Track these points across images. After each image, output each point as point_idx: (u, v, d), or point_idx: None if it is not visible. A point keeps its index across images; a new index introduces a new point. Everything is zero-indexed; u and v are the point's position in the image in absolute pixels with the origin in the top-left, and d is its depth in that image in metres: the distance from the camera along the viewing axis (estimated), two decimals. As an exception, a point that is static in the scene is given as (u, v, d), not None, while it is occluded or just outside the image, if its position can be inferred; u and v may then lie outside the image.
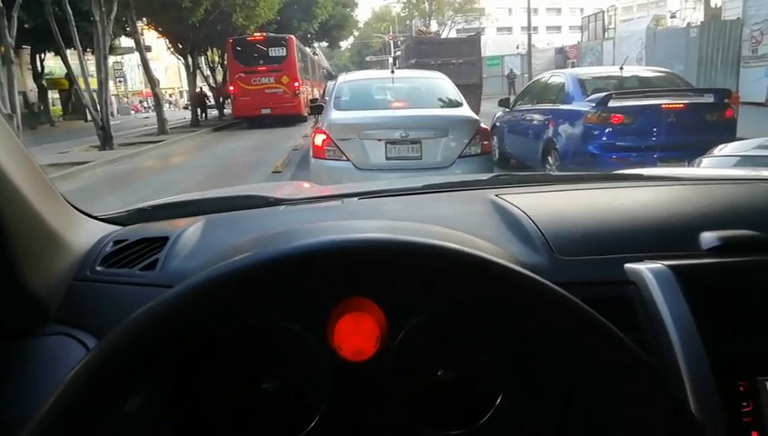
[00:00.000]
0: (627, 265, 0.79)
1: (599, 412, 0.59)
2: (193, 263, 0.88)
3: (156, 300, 0.52)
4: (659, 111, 6.00)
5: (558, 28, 61.81)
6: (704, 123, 6.07)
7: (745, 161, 3.63)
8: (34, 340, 0.77)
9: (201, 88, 26.21)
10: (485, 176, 1.63)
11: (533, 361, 0.72)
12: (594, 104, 6.22)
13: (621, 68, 7.33)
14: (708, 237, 0.83)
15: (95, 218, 1.07)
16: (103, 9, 13.31)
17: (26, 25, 17.70)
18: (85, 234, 0.96)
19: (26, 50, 25.14)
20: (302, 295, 0.59)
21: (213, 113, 27.10)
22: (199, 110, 23.82)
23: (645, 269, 0.76)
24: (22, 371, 0.73)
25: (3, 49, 10.67)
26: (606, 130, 6.12)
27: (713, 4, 20.78)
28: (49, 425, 0.48)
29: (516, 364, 0.76)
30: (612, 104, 6.05)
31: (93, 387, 0.49)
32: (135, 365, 0.51)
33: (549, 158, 6.84)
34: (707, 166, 3.78)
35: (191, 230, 1.00)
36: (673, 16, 35.92)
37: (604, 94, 6.23)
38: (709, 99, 6.31)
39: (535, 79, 8.99)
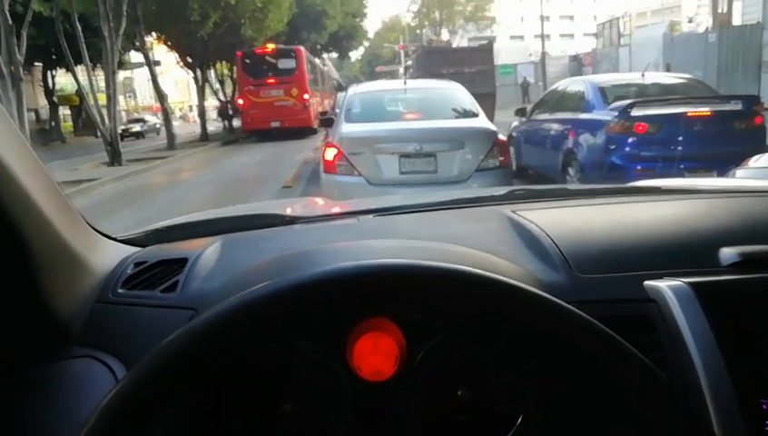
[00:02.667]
0: (647, 283, 0.79)
1: (619, 433, 0.59)
2: (213, 285, 0.89)
3: (186, 326, 0.53)
4: (685, 119, 5.78)
5: (572, 35, 61.53)
6: (733, 132, 5.87)
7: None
8: (58, 363, 0.78)
9: (221, 101, 26.86)
10: (500, 191, 1.60)
11: (553, 382, 0.72)
12: (616, 113, 6.01)
13: (642, 75, 7.17)
14: (728, 253, 0.82)
15: (114, 239, 1.08)
16: (112, 25, 13.32)
17: (38, 43, 17.82)
18: (106, 256, 0.98)
19: (38, 67, 25.42)
20: (322, 317, 0.57)
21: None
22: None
23: (665, 286, 0.76)
24: (47, 394, 0.74)
25: (12, 68, 10.63)
26: (630, 140, 5.91)
27: (720, 10, 20.54)
28: None
29: (536, 384, 0.75)
30: (635, 112, 5.83)
31: (128, 413, 0.50)
32: (168, 390, 0.52)
33: (570, 169, 6.63)
34: (742, 178, 3.54)
35: (209, 251, 1.01)
36: (690, 21, 35.62)
37: (626, 102, 6.01)
38: (736, 106, 6.11)
39: (552, 87, 8.75)
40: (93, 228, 0.98)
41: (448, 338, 0.75)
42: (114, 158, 13.68)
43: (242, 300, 0.53)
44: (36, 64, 24.23)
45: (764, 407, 0.67)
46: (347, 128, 5.50)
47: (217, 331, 0.52)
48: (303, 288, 0.53)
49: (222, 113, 26.56)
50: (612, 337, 0.53)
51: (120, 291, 0.91)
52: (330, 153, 5.19)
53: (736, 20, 19.56)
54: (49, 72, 26.02)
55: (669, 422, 0.52)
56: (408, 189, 4.89)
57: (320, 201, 1.99)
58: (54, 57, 21.65)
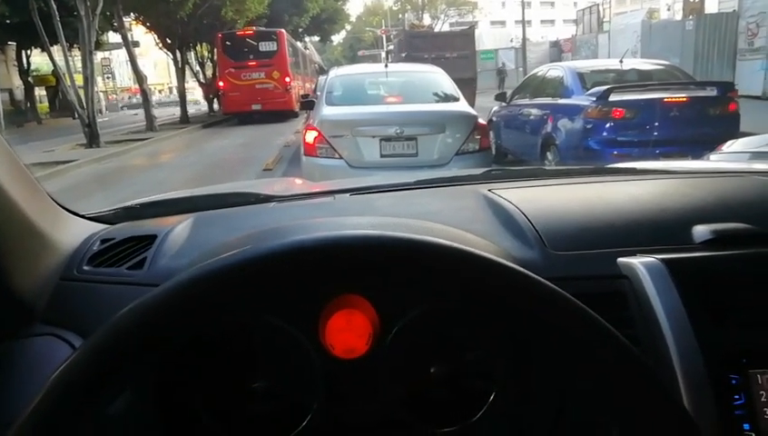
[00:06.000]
0: (620, 259, 0.79)
1: (592, 409, 0.58)
2: (182, 262, 0.87)
3: (141, 298, 0.50)
4: (661, 105, 5.91)
5: (552, 22, 61.61)
6: (708, 117, 6.01)
7: (757, 157, 3.46)
8: (20, 341, 0.76)
9: (203, 84, 26.03)
10: (477, 171, 1.62)
11: (526, 359, 0.72)
12: (594, 99, 6.10)
13: (621, 61, 7.21)
14: (701, 230, 0.83)
15: (82, 217, 1.05)
16: (88, 4, 13.00)
17: (12, 21, 17.35)
18: (72, 233, 0.95)
19: (12, 46, 24.75)
20: (292, 292, 0.56)
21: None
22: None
23: (638, 263, 0.76)
24: (8, 373, 0.73)
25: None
26: (607, 125, 6.02)
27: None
28: (32, 428, 0.47)
29: (509, 362, 0.76)
30: (613, 98, 5.94)
31: (77, 388, 0.48)
32: (120, 366, 0.50)
33: (548, 154, 6.71)
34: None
35: (179, 228, 0.98)
36: (668, 9, 35.91)
37: (604, 87, 6.10)
38: (712, 92, 6.26)
39: (532, 73, 8.80)
40: (60, 205, 0.96)
41: (420, 315, 0.74)
42: (92, 140, 13.40)
43: (202, 270, 0.51)
44: (10, 43, 23.60)
45: (734, 382, 0.67)
46: (327, 111, 5.50)
47: (174, 304, 0.50)
48: (262, 259, 0.51)
49: (210, 94, 25.96)
50: (587, 313, 0.52)
51: (85, 268, 0.88)
52: (311, 136, 5.19)
53: (711, 8, 19.79)
54: (24, 51, 25.32)
55: (642, 399, 0.51)
56: (388, 172, 4.92)
57: (297, 181, 1.99)
58: (28, 36, 21.10)
